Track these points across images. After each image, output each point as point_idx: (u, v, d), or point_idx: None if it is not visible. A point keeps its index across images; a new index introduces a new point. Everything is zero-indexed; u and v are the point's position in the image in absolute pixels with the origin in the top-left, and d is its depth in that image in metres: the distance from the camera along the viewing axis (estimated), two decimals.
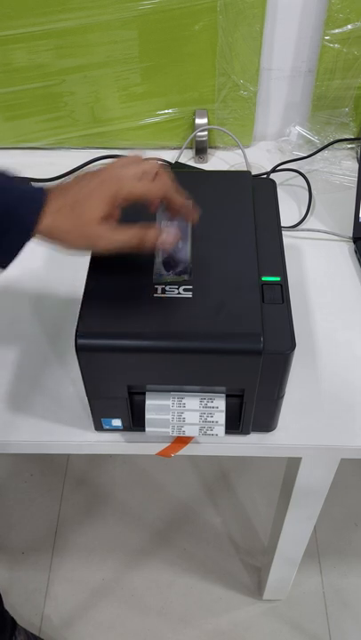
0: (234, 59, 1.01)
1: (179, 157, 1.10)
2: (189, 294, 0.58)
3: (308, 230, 0.95)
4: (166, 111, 1.08)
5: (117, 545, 1.38)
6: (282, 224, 0.70)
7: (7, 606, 1.17)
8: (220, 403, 0.61)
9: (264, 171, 1.06)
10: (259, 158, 1.10)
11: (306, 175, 1.03)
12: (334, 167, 1.06)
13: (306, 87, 1.08)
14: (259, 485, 1.47)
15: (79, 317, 0.56)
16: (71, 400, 0.71)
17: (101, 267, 0.61)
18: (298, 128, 1.10)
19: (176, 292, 0.58)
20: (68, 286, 0.85)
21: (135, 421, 0.65)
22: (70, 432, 0.68)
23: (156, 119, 1.09)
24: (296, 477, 0.83)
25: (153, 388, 0.61)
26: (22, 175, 1.00)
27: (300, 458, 0.79)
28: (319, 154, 1.07)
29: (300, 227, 0.96)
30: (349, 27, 0.97)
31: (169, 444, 0.67)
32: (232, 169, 1.08)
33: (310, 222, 0.97)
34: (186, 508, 1.44)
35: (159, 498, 1.46)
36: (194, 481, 1.49)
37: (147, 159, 0.57)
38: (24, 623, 1.23)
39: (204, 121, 1.08)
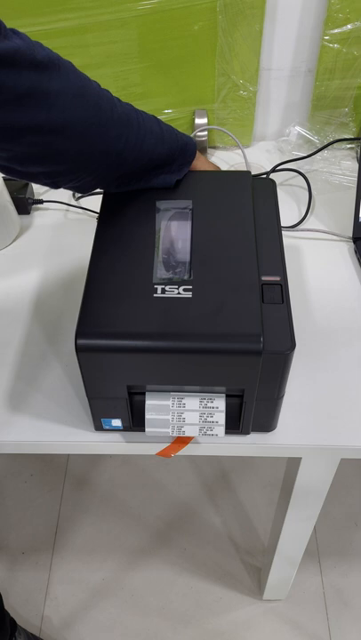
0: (233, 59, 1.01)
1: None
2: (189, 294, 0.58)
3: (308, 230, 0.95)
4: (166, 111, 1.08)
5: (117, 545, 1.38)
6: (282, 224, 0.70)
7: (7, 607, 1.17)
8: (220, 403, 0.61)
9: (264, 171, 1.06)
10: (258, 158, 1.10)
11: (306, 175, 1.03)
12: (334, 167, 1.06)
13: (305, 87, 1.08)
14: (259, 485, 1.47)
15: (79, 317, 0.56)
16: (71, 400, 0.71)
17: (101, 267, 0.61)
18: (298, 128, 1.10)
19: (176, 292, 0.58)
20: (68, 286, 0.85)
21: (135, 421, 0.65)
22: (70, 432, 0.68)
23: None
24: (296, 477, 0.83)
25: (153, 389, 0.61)
26: None
27: (300, 458, 0.79)
28: (319, 154, 1.07)
29: (299, 227, 0.96)
30: (349, 26, 0.97)
31: (169, 444, 0.67)
32: (232, 169, 1.08)
33: (310, 222, 0.97)
34: (186, 508, 1.44)
35: (159, 498, 1.46)
36: (194, 481, 1.49)
37: None
38: (24, 624, 1.23)
39: (204, 121, 1.08)
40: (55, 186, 0.67)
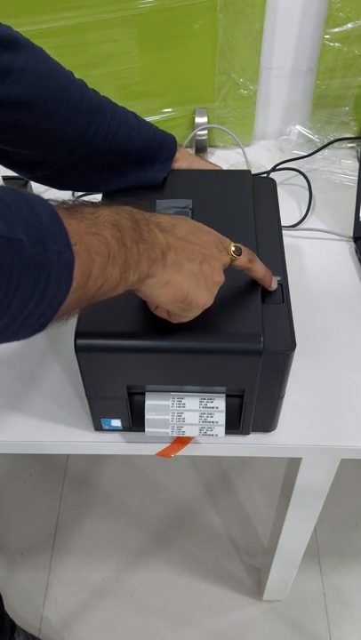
0: (234, 57, 1.01)
1: None
2: None
3: (309, 230, 0.95)
4: (166, 110, 1.08)
5: (117, 545, 1.38)
6: (282, 223, 0.70)
7: (6, 607, 1.16)
8: (220, 403, 0.61)
9: (264, 170, 1.06)
10: (259, 157, 1.10)
11: (306, 174, 1.03)
12: (335, 166, 1.06)
13: (306, 86, 1.08)
14: (259, 485, 1.47)
15: (78, 317, 0.56)
16: (71, 400, 0.71)
17: None
18: (298, 127, 1.10)
19: None
20: None
21: (135, 422, 0.65)
22: (70, 432, 0.68)
23: (156, 118, 1.08)
24: (296, 478, 0.82)
25: (153, 389, 0.61)
26: None
27: (301, 458, 0.78)
28: (320, 153, 1.06)
29: (300, 226, 0.96)
30: (350, 25, 0.97)
31: (169, 444, 0.67)
32: (232, 168, 1.08)
33: (311, 221, 0.97)
34: (186, 508, 1.44)
35: (159, 498, 1.45)
36: (194, 481, 1.49)
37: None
38: (23, 624, 1.23)
39: (204, 120, 1.07)
40: (29, 171, 0.68)
